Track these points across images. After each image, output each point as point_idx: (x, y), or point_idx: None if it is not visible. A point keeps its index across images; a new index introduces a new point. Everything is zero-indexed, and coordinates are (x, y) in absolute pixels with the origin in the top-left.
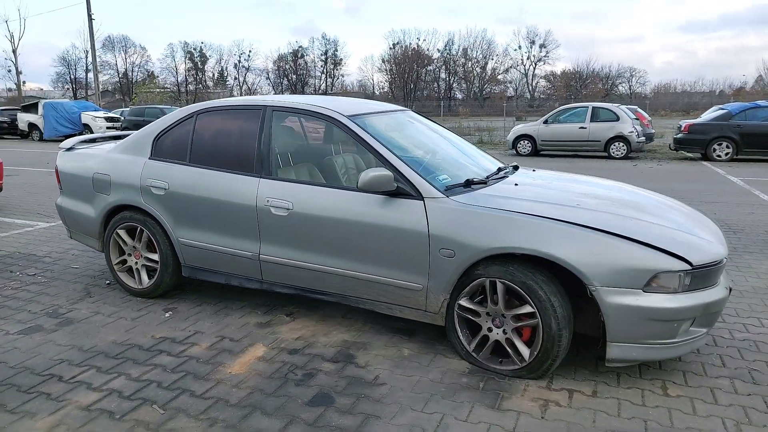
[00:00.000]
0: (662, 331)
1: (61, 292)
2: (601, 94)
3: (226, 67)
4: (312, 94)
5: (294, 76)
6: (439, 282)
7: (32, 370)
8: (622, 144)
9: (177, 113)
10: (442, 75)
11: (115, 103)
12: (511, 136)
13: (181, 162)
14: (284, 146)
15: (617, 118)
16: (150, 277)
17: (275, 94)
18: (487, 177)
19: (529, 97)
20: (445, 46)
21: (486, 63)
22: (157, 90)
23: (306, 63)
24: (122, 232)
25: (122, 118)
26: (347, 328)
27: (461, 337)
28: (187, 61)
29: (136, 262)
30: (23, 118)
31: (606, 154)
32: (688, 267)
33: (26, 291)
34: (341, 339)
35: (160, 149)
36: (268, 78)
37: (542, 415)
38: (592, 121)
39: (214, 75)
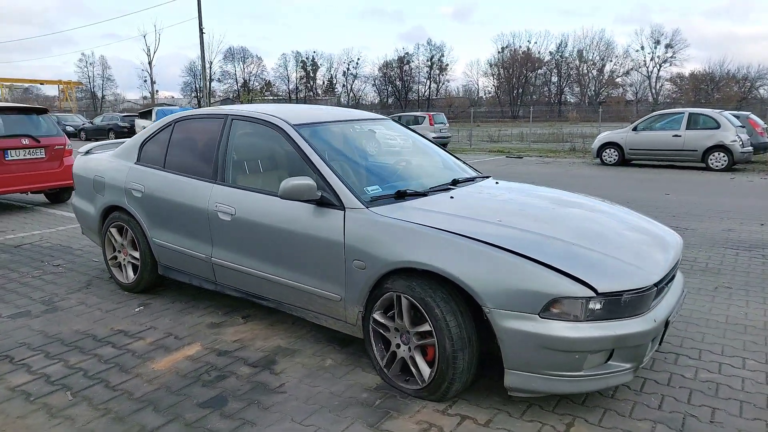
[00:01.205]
0: (564, 362)
1: (68, 282)
2: (736, 97)
3: (336, 75)
4: (415, 100)
5: (399, 83)
6: (353, 293)
7: None
8: (722, 154)
9: (161, 122)
10: (553, 79)
11: None
12: (595, 144)
13: (157, 167)
14: (240, 154)
15: (717, 126)
16: (134, 273)
17: (380, 101)
18: (429, 188)
19: (652, 101)
20: (557, 48)
21: (603, 65)
22: (271, 97)
23: (411, 69)
24: (114, 231)
25: None
26: (289, 334)
27: (375, 352)
28: (299, 70)
29: (124, 259)
30: (140, 124)
31: (704, 165)
32: (591, 293)
33: (41, 280)
34: (276, 345)
35: (144, 155)
36: (374, 85)
37: None
38: (688, 128)
39: (323, 83)
